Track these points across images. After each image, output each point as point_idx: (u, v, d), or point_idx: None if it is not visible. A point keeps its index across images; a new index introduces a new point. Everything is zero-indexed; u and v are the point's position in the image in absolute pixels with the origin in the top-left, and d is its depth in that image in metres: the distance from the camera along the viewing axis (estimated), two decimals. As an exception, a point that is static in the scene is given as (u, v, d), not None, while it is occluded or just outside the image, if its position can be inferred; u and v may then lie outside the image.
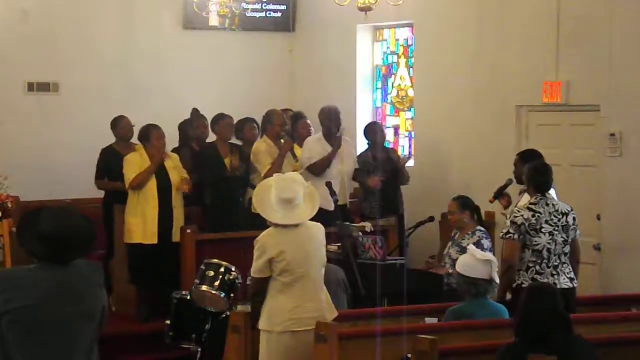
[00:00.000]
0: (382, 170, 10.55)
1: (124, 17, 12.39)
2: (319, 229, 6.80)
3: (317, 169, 10.15)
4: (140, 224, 9.65)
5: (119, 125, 10.62)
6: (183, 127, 11.08)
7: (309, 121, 11.06)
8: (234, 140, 10.79)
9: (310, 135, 10.80)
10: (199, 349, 8.19)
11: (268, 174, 10.12)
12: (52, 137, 11.97)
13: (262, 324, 6.66)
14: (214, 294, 8.02)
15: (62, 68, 12.08)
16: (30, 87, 12.02)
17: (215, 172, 10.21)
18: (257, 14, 13.11)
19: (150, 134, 9.77)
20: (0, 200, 9.10)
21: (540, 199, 7.40)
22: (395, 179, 10.69)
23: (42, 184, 11.58)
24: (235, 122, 10.83)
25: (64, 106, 12.10)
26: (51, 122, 12.02)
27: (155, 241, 9.61)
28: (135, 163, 9.72)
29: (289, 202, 6.59)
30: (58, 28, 12.03)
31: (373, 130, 10.83)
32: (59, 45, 12.04)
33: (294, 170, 9.89)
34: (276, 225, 6.63)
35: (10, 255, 8.76)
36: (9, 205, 9.10)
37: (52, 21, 11.99)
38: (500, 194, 8.75)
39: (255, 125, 10.85)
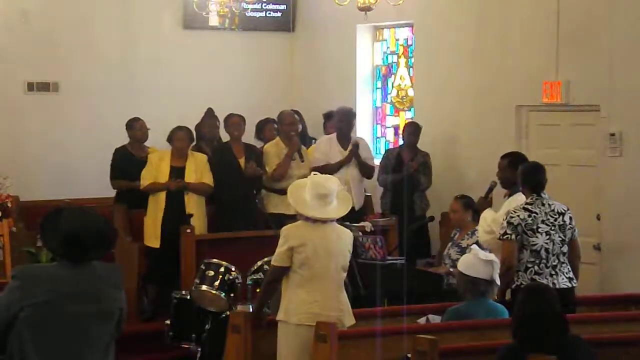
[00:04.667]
0: (399, 170, 10.53)
1: (124, 17, 12.39)
2: (347, 235, 6.88)
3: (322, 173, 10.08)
4: (151, 226, 9.70)
5: (134, 127, 10.60)
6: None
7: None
8: (254, 141, 10.77)
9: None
10: (199, 349, 8.19)
11: (274, 174, 10.15)
12: (52, 137, 11.97)
13: (280, 315, 6.71)
14: (214, 294, 8.02)
15: (62, 68, 12.08)
16: (30, 87, 12.01)
17: (230, 172, 10.14)
18: (257, 14, 13.11)
19: (173, 136, 9.86)
20: (0, 200, 9.11)
21: (536, 199, 7.39)
22: (414, 181, 10.60)
23: (42, 184, 11.59)
24: (256, 122, 10.89)
25: (64, 106, 12.10)
26: (51, 122, 12.02)
27: (157, 245, 9.61)
28: (153, 166, 9.77)
29: (323, 198, 6.69)
30: (58, 28, 12.03)
31: (407, 131, 10.88)
32: (59, 45, 12.04)
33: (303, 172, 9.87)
34: (306, 219, 6.69)
35: (10, 255, 8.76)
36: (9, 205, 9.11)
37: (52, 21, 11.99)
38: (486, 197, 8.74)
39: (276, 126, 10.82)
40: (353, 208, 10.23)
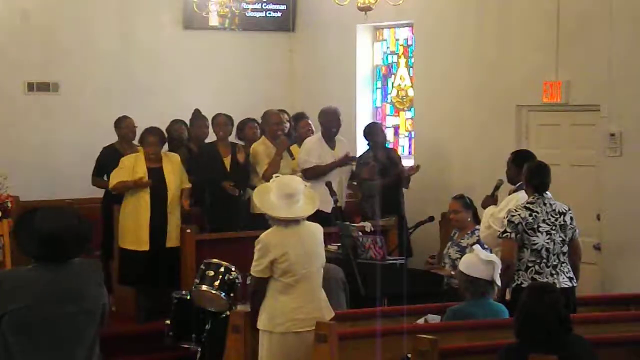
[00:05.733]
0: (384, 171, 10.55)
1: (124, 17, 12.40)
2: (318, 229, 6.85)
3: (313, 174, 10.12)
4: (133, 229, 9.61)
5: (122, 125, 10.61)
6: (169, 130, 10.97)
7: (310, 121, 11.10)
8: (236, 140, 10.80)
9: (310, 135, 10.83)
10: (199, 349, 8.18)
11: (266, 174, 10.17)
12: (52, 137, 11.98)
13: (262, 324, 6.66)
14: (214, 294, 8.02)
15: (62, 68, 12.08)
16: (30, 87, 12.01)
17: (216, 172, 10.20)
18: (257, 14, 13.11)
19: (144, 140, 9.78)
20: (0, 200, 9.10)
21: (538, 198, 7.40)
22: (397, 180, 10.67)
23: (42, 184, 11.59)
24: (237, 122, 10.88)
25: (64, 106, 12.10)
26: (51, 122, 12.02)
27: (146, 248, 9.57)
28: (126, 167, 9.66)
29: (290, 197, 6.64)
30: (58, 28, 12.03)
31: (373, 131, 10.84)
32: (59, 45, 12.04)
33: (292, 170, 9.95)
34: (278, 222, 6.65)
35: (10, 255, 8.76)
36: (9, 205, 9.09)
37: (52, 21, 12.00)
38: (493, 195, 8.76)
39: (257, 125, 10.87)
40: (340, 207, 10.35)
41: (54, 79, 12.11)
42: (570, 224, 7.44)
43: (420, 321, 6.92)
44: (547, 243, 7.33)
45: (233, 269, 8.11)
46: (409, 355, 5.96)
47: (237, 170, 10.24)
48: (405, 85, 12.29)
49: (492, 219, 7.86)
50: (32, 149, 11.88)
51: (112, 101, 12.09)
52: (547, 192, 7.48)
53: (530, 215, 7.33)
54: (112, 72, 12.30)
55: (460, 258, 7.41)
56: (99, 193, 10.86)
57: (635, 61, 9.29)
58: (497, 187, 8.50)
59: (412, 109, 12.08)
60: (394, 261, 8.84)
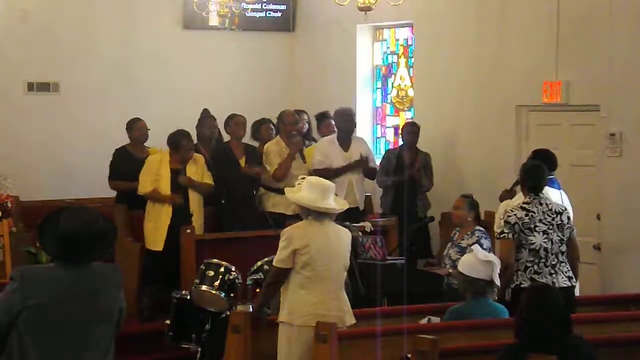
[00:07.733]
0: (400, 171, 10.51)
1: (124, 17, 12.39)
2: (346, 233, 6.93)
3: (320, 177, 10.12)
4: (152, 230, 9.64)
5: (134, 127, 10.57)
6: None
7: (333, 122, 11.03)
8: (250, 141, 10.78)
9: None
10: (199, 349, 8.18)
11: (276, 174, 10.17)
12: (52, 137, 11.97)
13: (282, 317, 6.71)
14: (214, 294, 8.02)
15: (62, 68, 12.08)
16: (30, 87, 12.01)
17: (230, 171, 10.14)
18: (257, 14, 13.11)
19: (179, 146, 9.67)
20: (0, 200, 9.09)
21: (534, 198, 7.43)
22: (416, 183, 10.56)
23: (42, 184, 11.59)
24: (252, 123, 10.85)
25: (64, 106, 12.10)
26: (51, 122, 12.01)
27: (160, 248, 9.58)
28: (153, 169, 9.66)
29: (325, 191, 6.74)
30: (58, 28, 12.03)
31: (405, 131, 10.83)
32: (59, 45, 12.04)
33: (307, 172, 9.90)
34: (314, 214, 6.69)
35: (10, 255, 8.75)
36: (9, 205, 9.09)
37: (52, 21, 11.99)
38: (511, 191, 8.79)
39: (272, 126, 10.83)
40: (357, 208, 10.34)
41: (54, 79, 12.11)
42: (568, 223, 7.46)
43: (424, 321, 6.93)
44: (545, 243, 7.34)
45: (233, 269, 8.11)
46: (409, 355, 5.96)
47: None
48: (405, 85, 12.28)
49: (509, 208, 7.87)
50: (32, 149, 11.88)
51: (112, 101, 12.09)
52: (543, 192, 7.51)
53: (527, 215, 7.34)
54: (112, 72, 12.29)
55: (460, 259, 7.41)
56: (100, 193, 10.87)
57: (636, 61, 9.29)
58: (516, 183, 8.56)
59: (412, 109, 12.07)
60: (394, 261, 8.84)
